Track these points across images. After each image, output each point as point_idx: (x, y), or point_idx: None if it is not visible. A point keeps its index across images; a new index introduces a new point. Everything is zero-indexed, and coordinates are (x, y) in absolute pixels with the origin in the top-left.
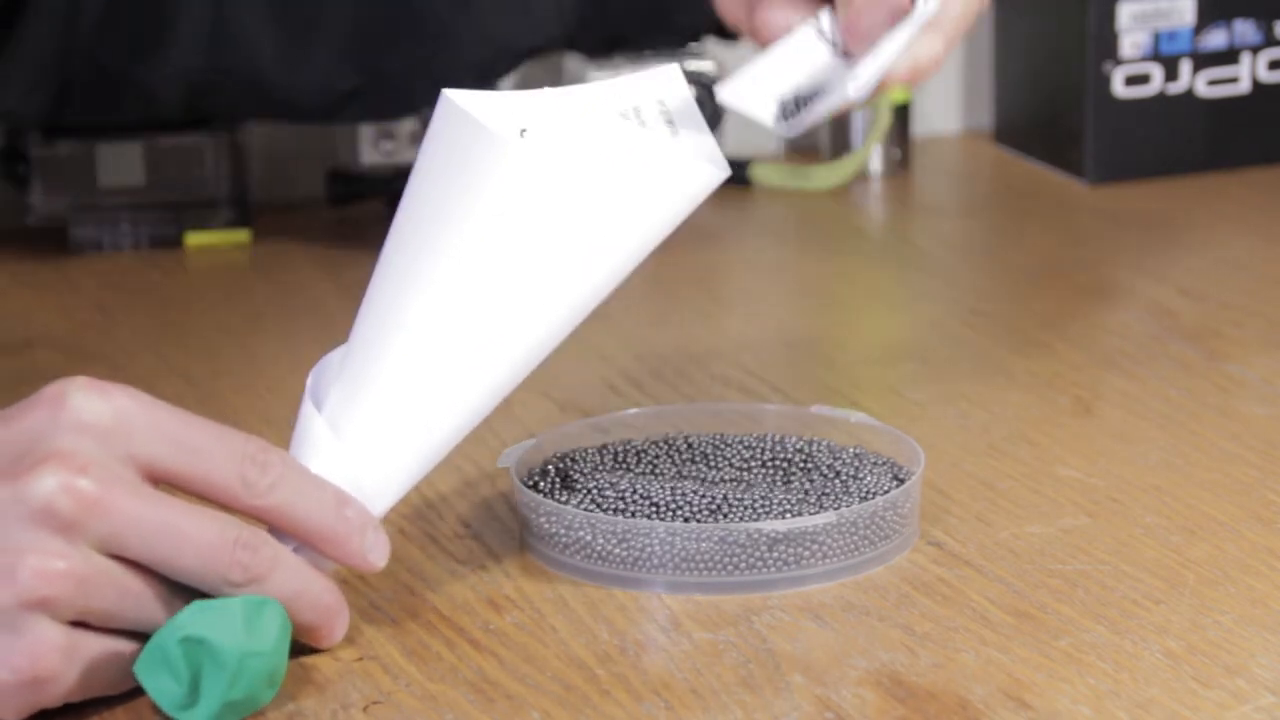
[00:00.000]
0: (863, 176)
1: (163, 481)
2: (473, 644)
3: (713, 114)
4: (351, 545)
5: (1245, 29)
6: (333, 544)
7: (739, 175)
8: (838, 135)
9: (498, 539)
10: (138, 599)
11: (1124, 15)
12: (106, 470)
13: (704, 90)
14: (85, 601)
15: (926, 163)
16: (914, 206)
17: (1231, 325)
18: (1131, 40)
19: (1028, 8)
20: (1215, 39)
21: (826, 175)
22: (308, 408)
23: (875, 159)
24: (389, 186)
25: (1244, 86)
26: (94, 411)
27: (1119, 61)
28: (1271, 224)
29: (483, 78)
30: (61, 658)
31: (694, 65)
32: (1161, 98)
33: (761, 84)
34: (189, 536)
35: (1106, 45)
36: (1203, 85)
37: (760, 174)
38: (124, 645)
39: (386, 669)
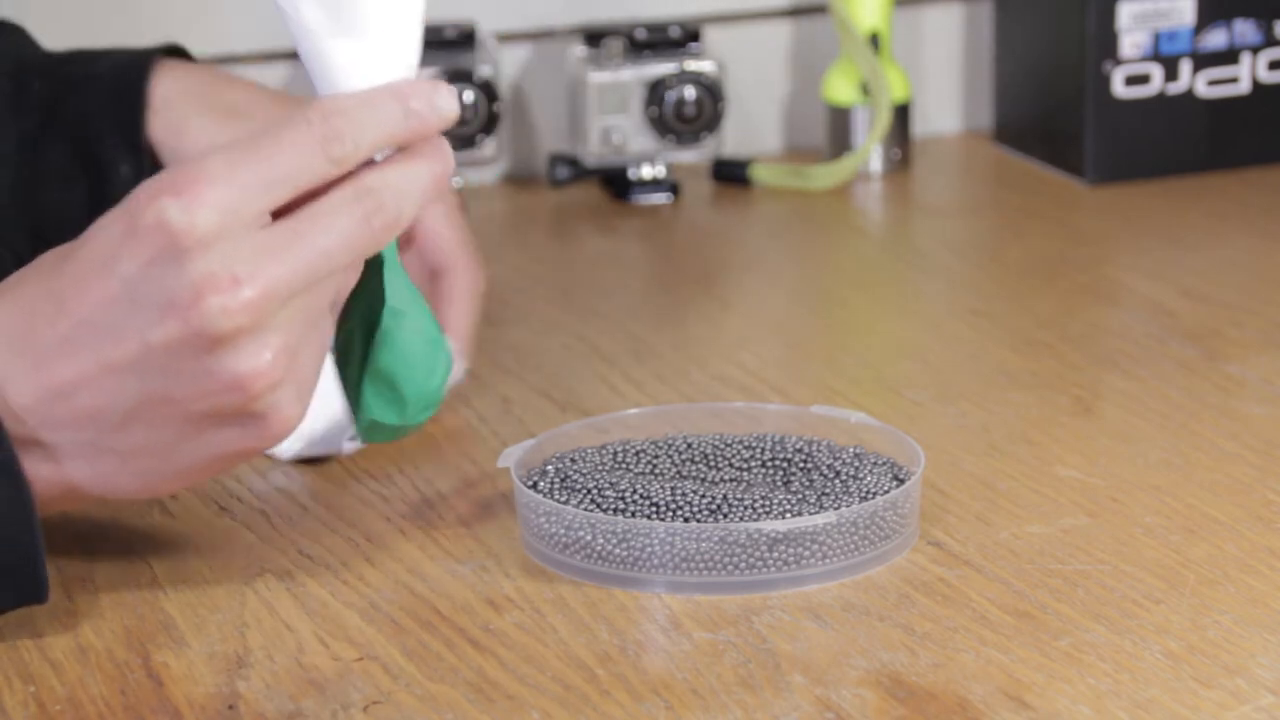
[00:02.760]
0: (863, 176)
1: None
2: (473, 644)
3: None
4: (429, 125)
5: (1245, 29)
6: (417, 135)
7: (739, 175)
8: (838, 135)
9: (498, 539)
10: (328, 322)
11: (1124, 15)
12: (250, 262)
13: None
14: (297, 362)
15: (926, 163)
16: (914, 206)
17: (1231, 325)
18: (1131, 40)
19: (1028, 8)
20: (1215, 39)
21: (826, 175)
22: (307, 32)
23: (875, 159)
24: None
25: (1244, 86)
26: (201, 222)
27: (1119, 61)
28: (1271, 224)
29: None
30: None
31: (694, 65)
32: (1161, 98)
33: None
34: (336, 245)
35: (1106, 45)
36: (1203, 85)
37: (760, 174)
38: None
39: (386, 669)
